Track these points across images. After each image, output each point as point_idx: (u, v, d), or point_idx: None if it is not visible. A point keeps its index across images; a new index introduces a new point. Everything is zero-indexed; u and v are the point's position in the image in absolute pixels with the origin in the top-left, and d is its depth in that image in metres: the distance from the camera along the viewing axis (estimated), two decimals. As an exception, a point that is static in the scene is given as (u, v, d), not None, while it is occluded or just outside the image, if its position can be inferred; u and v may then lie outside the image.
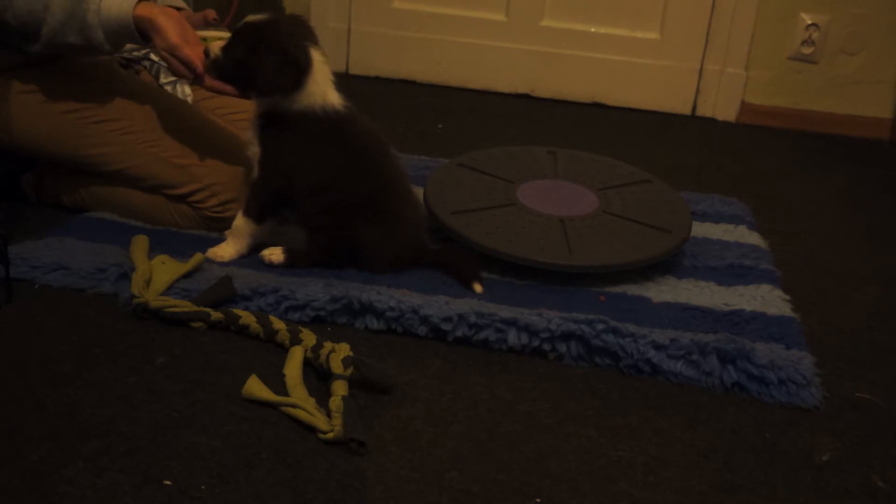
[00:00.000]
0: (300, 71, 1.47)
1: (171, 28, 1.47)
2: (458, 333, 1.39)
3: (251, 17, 1.48)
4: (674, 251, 1.66)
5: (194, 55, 1.48)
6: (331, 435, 1.13)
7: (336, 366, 1.24)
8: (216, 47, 1.48)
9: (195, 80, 1.51)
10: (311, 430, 1.16)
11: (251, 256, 1.56)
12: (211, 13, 1.79)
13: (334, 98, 1.52)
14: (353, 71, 2.98)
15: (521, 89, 2.92)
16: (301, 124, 1.50)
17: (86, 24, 1.47)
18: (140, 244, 1.51)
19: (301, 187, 1.52)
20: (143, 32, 1.49)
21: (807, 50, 2.75)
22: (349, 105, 1.54)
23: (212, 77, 1.50)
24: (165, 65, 1.72)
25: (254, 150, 1.53)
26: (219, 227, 1.64)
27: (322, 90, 1.50)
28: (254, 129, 1.53)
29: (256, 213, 1.55)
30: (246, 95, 1.54)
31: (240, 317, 1.36)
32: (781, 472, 1.17)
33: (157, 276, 1.43)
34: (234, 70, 1.48)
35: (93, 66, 1.68)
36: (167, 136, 1.63)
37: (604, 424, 1.24)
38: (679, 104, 2.86)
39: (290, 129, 1.50)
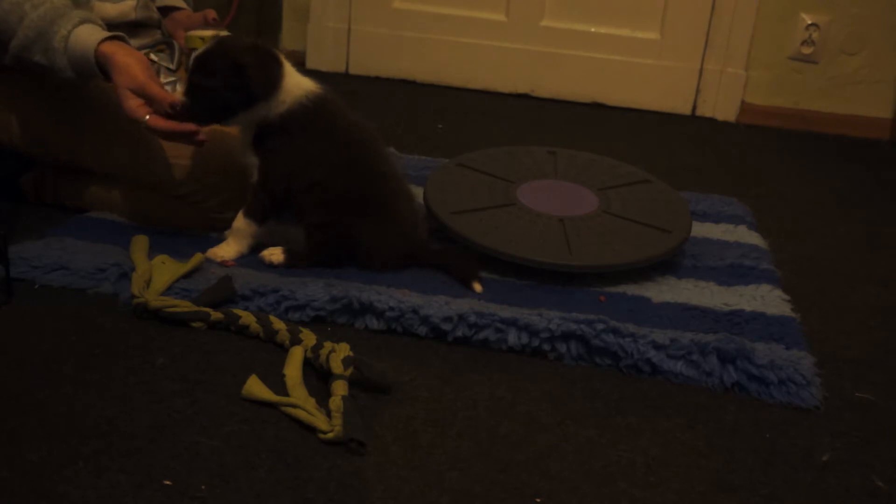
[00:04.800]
0: (278, 60, 1.48)
1: (137, 66, 1.45)
2: (458, 333, 1.39)
3: (196, 53, 1.46)
4: (674, 251, 1.66)
5: (164, 93, 1.44)
6: (331, 435, 1.13)
7: (336, 366, 1.24)
8: (178, 95, 1.45)
9: (153, 126, 1.45)
10: (311, 430, 1.16)
11: (251, 256, 1.57)
12: (211, 13, 1.79)
13: (310, 84, 1.53)
14: (353, 71, 2.98)
15: (521, 89, 2.92)
16: (291, 126, 1.50)
17: (51, 47, 1.46)
18: (140, 244, 1.51)
19: (299, 183, 1.52)
20: (104, 69, 1.48)
21: (807, 50, 2.75)
22: (327, 87, 1.55)
23: (186, 122, 1.46)
24: (164, 65, 1.73)
25: (251, 160, 1.53)
26: (219, 227, 1.64)
27: (296, 80, 1.51)
28: (248, 145, 1.52)
29: (259, 216, 1.55)
30: (220, 122, 1.51)
31: (240, 317, 1.36)
32: (781, 472, 1.17)
33: (157, 276, 1.43)
34: (209, 102, 1.45)
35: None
36: (167, 136, 1.63)
37: (604, 424, 1.24)
38: (679, 104, 2.86)
39: (281, 135, 1.50)
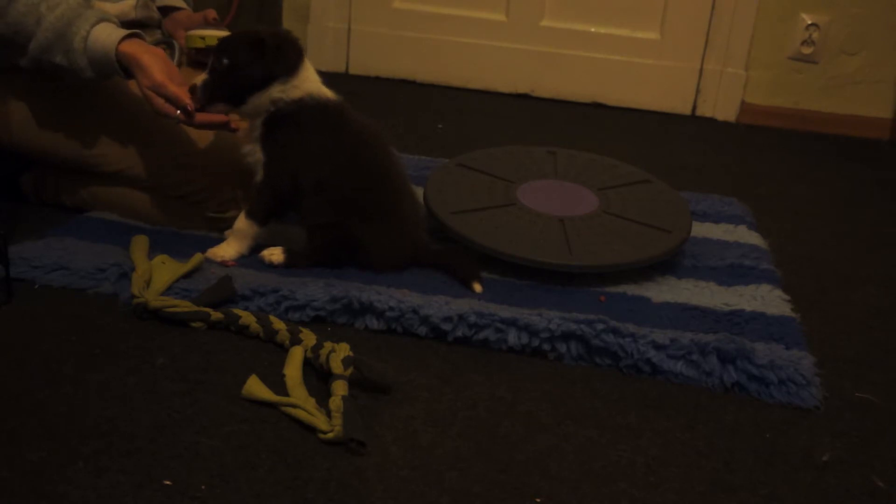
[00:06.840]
0: (297, 46, 1.51)
1: (156, 66, 1.46)
2: (458, 333, 1.39)
3: (224, 37, 1.51)
4: (674, 251, 1.66)
5: (181, 93, 1.46)
6: (331, 435, 1.13)
7: (336, 366, 1.24)
8: (200, 78, 1.49)
9: (186, 119, 1.48)
10: (311, 430, 1.16)
11: (251, 256, 1.57)
12: (211, 13, 1.80)
13: (326, 90, 1.55)
14: (353, 71, 2.98)
15: (521, 89, 2.92)
16: (301, 118, 1.51)
17: (71, 48, 1.47)
18: (140, 244, 1.51)
19: (305, 184, 1.52)
20: (126, 69, 1.49)
21: (807, 50, 2.75)
22: (341, 97, 1.56)
23: (203, 102, 1.48)
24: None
25: (256, 158, 1.53)
26: (219, 227, 1.64)
27: (314, 81, 1.54)
28: (255, 139, 1.53)
29: (261, 216, 1.55)
30: (236, 105, 1.52)
31: (240, 317, 1.36)
32: (781, 472, 1.17)
33: (157, 276, 1.43)
34: (228, 81, 1.48)
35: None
36: (167, 136, 1.63)
37: (604, 424, 1.24)
38: (679, 104, 2.86)
39: (291, 127, 1.50)
